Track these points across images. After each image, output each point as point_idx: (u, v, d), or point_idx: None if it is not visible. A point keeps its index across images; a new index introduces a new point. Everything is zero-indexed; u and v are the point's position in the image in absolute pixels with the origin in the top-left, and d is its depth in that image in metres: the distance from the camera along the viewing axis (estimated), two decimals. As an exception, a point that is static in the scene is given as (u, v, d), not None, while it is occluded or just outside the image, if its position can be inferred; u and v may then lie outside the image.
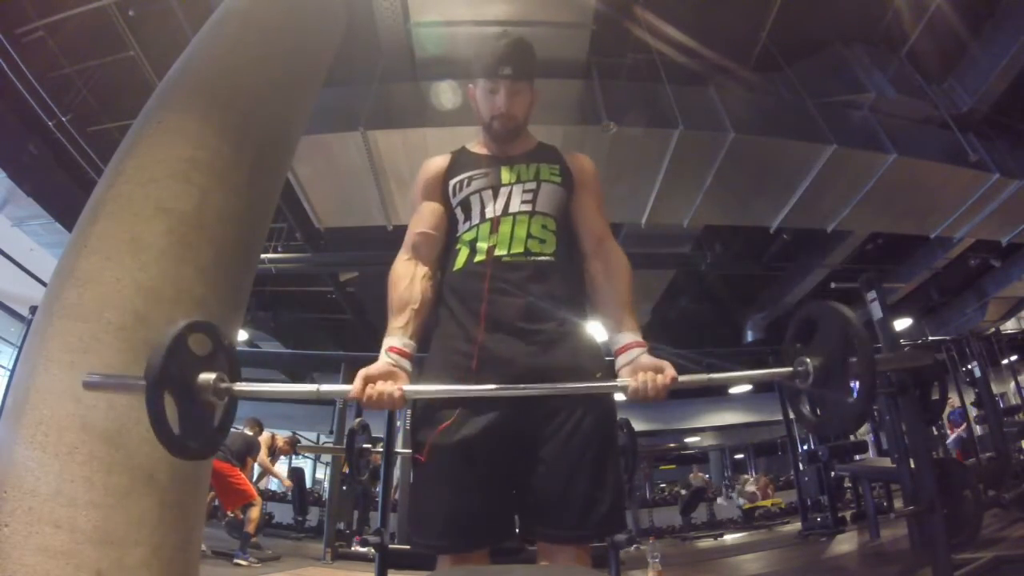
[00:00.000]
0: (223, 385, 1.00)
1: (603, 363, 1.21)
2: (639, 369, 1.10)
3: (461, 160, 1.35)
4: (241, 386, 1.03)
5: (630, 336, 1.17)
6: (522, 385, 1.08)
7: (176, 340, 0.95)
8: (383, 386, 1.04)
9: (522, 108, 1.32)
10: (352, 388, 1.05)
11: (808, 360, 1.05)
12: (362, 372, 1.07)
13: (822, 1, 5.15)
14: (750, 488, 9.86)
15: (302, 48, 2.96)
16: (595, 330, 1.28)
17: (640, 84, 5.09)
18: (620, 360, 1.16)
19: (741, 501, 9.54)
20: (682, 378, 1.08)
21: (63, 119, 4.89)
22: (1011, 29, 5.07)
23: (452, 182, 1.31)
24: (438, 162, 1.37)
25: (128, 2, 4.50)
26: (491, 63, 1.28)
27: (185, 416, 0.97)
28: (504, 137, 1.33)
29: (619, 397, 1.17)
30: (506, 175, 1.28)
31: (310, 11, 3.06)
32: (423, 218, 1.30)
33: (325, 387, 1.04)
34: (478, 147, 1.38)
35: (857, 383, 1.00)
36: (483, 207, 1.26)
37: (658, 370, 1.08)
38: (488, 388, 1.08)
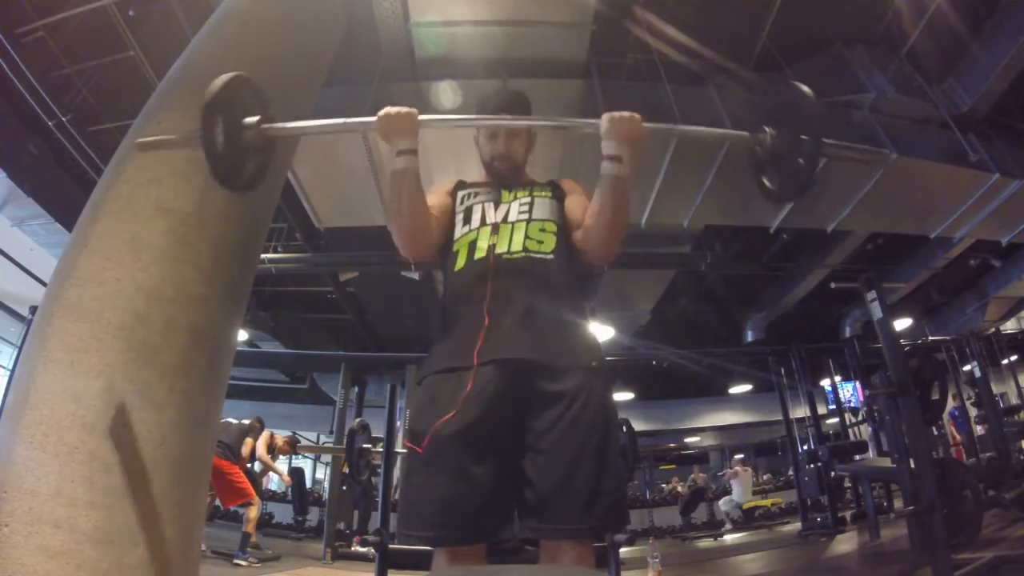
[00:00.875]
0: (264, 125, 1.23)
1: (600, 356, 1.26)
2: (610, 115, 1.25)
3: (465, 184, 1.50)
4: (278, 124, 1.28)
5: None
6: (509, 119, 1.37)
7: (231, 80, 1.17)
8: (400, 108, 1.22)
9: (520, 150, 1.47)
10: (375, 117, 1.23)
11: (767, 128, 1.23)
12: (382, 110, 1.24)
13: (822, 1, 5.15)
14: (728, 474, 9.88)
15: (302, 48, 2.96)
16: (592, 326, 1.31)
17: (640, 84, 5.09)
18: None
19: (736, 497, 9.50)
20: (648, 125, 1.27)
21: (63, 119, 4.89)
22: (1011, 29, 5.07)
23: (460, 194, 1.45)
24: (447, 183, 1.52)
25: (128, 2, 4.50)
26: (491, 109, 1.45)
27: (229, 143, 1.16)
28: (504, 175, 1.45)
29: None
30: (505, 196, 1.41)
31: (310, 11, 3.06)
32: (430, 196, 1.40)
33: (352, 120, 1.29)
34: (479, 178, 1.52)
35: (803, 156, 1.15)
36: (484, 214, 1.36)
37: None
38: (488, 118, 1.38)
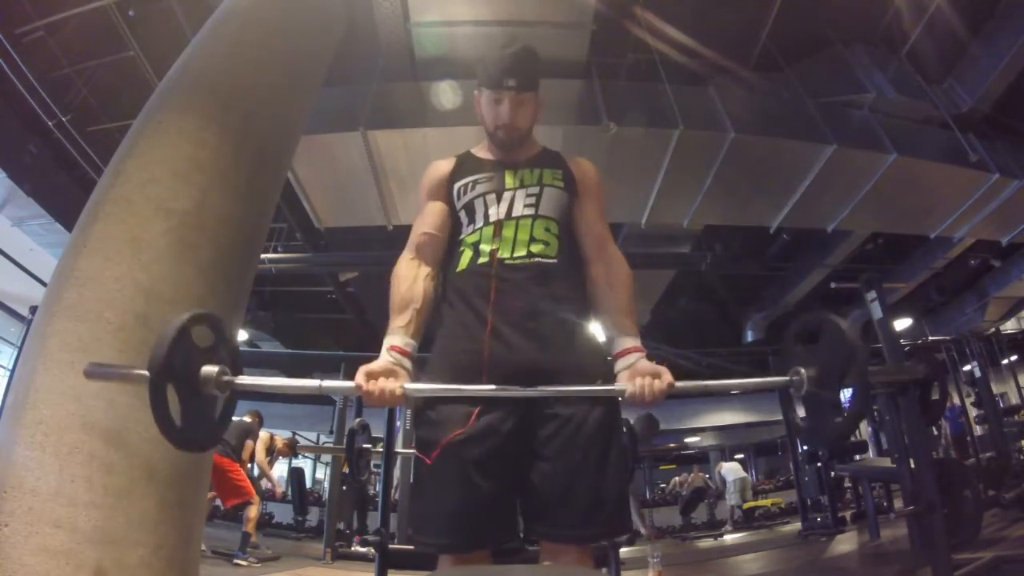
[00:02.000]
0: (225, 378, 1.00)
1: (604, 363, 1.23)
2: (637, 374, 1.12)
3: (466, 164, 1.36)
4: (243, 379, 1.04)
5: (629, 341, 1.19)
6: (523, 388, 1.08)
7: (180, 332, 0.96)
8: (384, 383, 1.06)
9: (527, 118, 1.32)
10: (353, 384, 1.07)
11: (803, 370, 1.09)
12: (363, 368, 1.08)
13: (822, 1, 5.15)
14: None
15: (302, 48, 2.96)
16: (597, 330, 1.30)
17: (640, 84, 5.09)
18: (619, 364, 1.17)
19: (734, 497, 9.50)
20: (679, 384, 1.11)
21: (63, 119, 4.89)
22: (1011, 29, 5.07)
23: (457, 185, 1.32)
24: (443, 165, 1.37)
25: (128, 2, 4.50)
26: (495, 74, 1.28)
27: (187, 408, 0.98)
28: (508, 146, 1.34)
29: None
30: (510, 180, 1.30)
31: (310, 11, 3.06)
32: (427, 219, 1.31)
33: (327, 383, 1.06)
34: (483, 152, 1.39)
35: (849, 394, 1.04)
36: (487, 210, 1.27)
37: (656, 375, 1.10)
38: (489, 389, 1.09)
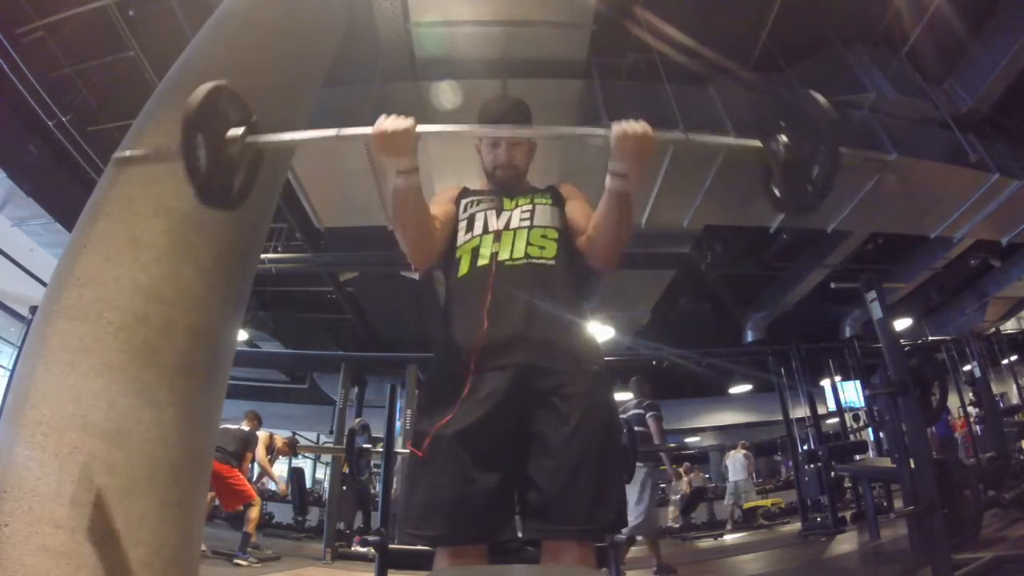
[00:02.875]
0: (249, 139, 1.13)
1: (602, 359, 1.27)
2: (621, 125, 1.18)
3: (469, 190, 1.50)
4: (264, 137, 1.18)
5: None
6: (512, 129, 1.31)
7: (213, 90, 1.07)
8: (397, 119, 1.16)
9: (522, 158, 1.46)
10: (371, 129, 1.17)
11: (781, 137, 1.16)
12: (380, 117, 1.18)
13: (822, 1, 5.15)
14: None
15: (302, 48, 2.96)
16: (594, 331, 1.32)
17: (640, 84, 5.09)
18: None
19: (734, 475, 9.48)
20: (656, 133, 1.18)
21: (63, 119, 4.89)
22: (1011, 29, 5.07)
23: (463, 201, 1.45)
24: (450, 190, 1.52)
25: (128, 2, 4.50)
26: (492, 121, 1.44)
27: (211, 161, 1.07)
28: (506, 184, 1.45)
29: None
30: (507, 203, 1.41)
31: (310, 11, 3.06)
32: (433, 207, 1.39)
33: (345, 130, 1.20)
34: (481, 185, 1.52)
35: (818, 169, 1.10)
36: (487, 222, 1.37)
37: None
38: (485, 126, 1.32)
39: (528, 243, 1.31)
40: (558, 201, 1.43)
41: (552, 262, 1.30)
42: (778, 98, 1.27)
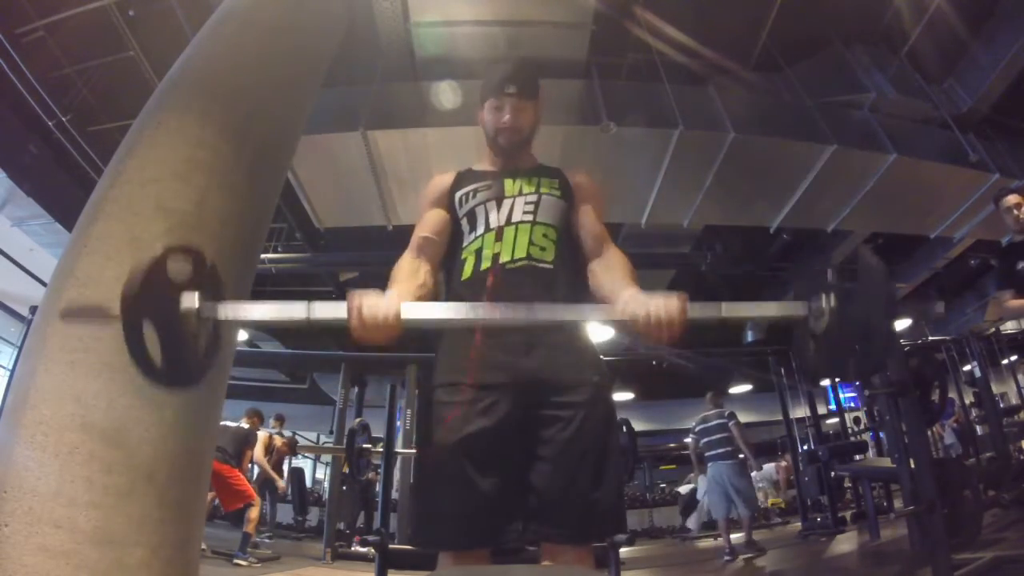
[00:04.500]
0: (207, 311, 0.92)
1: (602, 367, 1.25)
2: (645, 302, 1.01)
3: (466, 176, 1.40)
4: (226, 307, 0.94)
5: (633, 286, 1.16)
6: (516, 317, 1.05)
7: (153, 265, 0.88)
8: (379, 301, 0.97)
9: (527, 123, 1.37)
10: (346, 305, 0.98)
11: (823, 299, 1.00)
12: (355, 291, 0.99)
13: (822, 1, 5.15)
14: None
15: (302, 48, 2.96)
16: (594, 335, 1.30)
17: (640, 84, 5.10)
18: (623, 296, 1.08)
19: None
20: (692, 307, 1.00)
21: (63, 119, 4.89)
22: (1011, 29, 5.07)
23: (458, 195, 1.36)
24: (444, 178, 1.41)
25: (128, 2, 4.50)
26: (497, 83, 1.34)
27: (168, 346, 0.90)
28: (509, 151, 1.38)
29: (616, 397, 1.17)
30: (509, 187, 1.33)
31: (310, 11, 3.06)
32: (427, 224, 1.34)
33: (317, 306, 0.95)
34: (482, 164, 1.43)
35: (864, 346, 0.96)
36: (487, 217, 1.30)
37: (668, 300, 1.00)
38: (488, 314, 1.06)
39: (531, 242, 1.26)
40: (567, 193, 1.35)
41: (550, 265, 1.26)
42: (826, 264, 1.11)
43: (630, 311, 0.99)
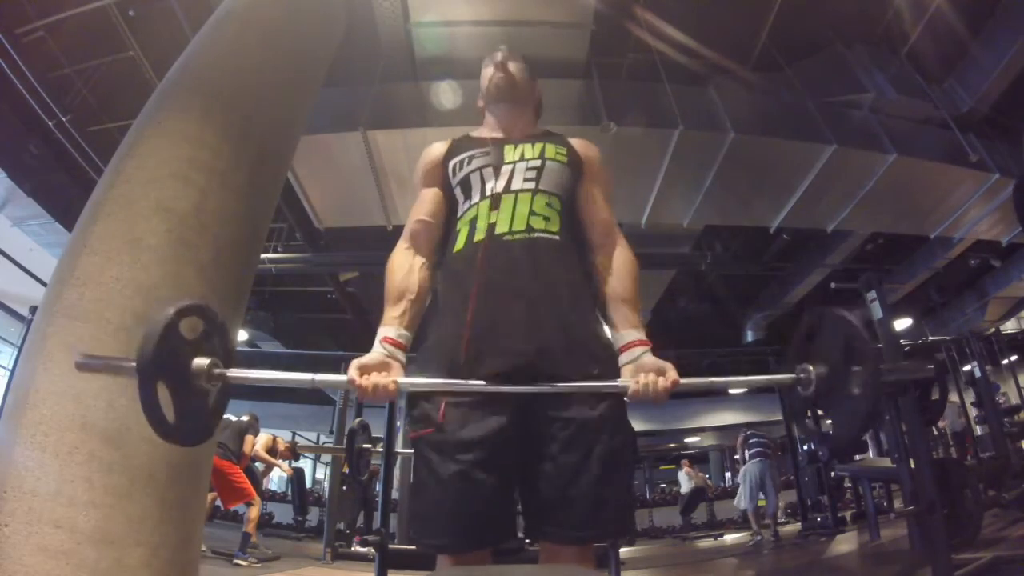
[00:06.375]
0: (217, 371, 0.98)
1: (604, 354, 1.15)
2: (641, 370, 1.08)
3: (462, 143, 1.31)
4: (235, 372, 1.01)
5: (634, 334, 1.15)
6: (519, 387, 1.05)
7: (168, 326, 0.93)
8: (377, 377, 1.03)
9: (519, 73, 1.32)
10: (346, 378, 1.04)
11: (811, 368, 1.05)
12: (356, 362, 1.06)
13: (822, 1, 5.15)
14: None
15: (302, 48, 2.96)
16: (599, 315, 1.25)
17: (640, 84, 5.09)
18: (623, 358, 1.13)
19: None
20: (684, 381, 1.06)
21: (63, 119, 4.89)
22: (1011, 29, 5.07)
23: (452, 163, 1.27)
24: (437, 147, 1.33)
25: (128, 2, 4.50)
26: (490, 52, 1.33)
27: (179, 402, 0.96)
28: (508, 115, 1.32)
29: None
30: (509, 154, 1.24)
31: (310, 11, 3.06)
32: (422, 205, 1.27)
33: (320, 377, 1.03)
34: (481, 132, 1.36)
35: (860, 392, 0.99)
36: (483, 184, 1.20)
37: (660, 372, 1.07)
38: (482, 385, 1.05)
39: (531, 212, 1.15)
40: (575, 162, 1.25)
41: (556, 236, 1.15)
42: (803, 327, 1.15)
43: (631, 393, 1.05)
